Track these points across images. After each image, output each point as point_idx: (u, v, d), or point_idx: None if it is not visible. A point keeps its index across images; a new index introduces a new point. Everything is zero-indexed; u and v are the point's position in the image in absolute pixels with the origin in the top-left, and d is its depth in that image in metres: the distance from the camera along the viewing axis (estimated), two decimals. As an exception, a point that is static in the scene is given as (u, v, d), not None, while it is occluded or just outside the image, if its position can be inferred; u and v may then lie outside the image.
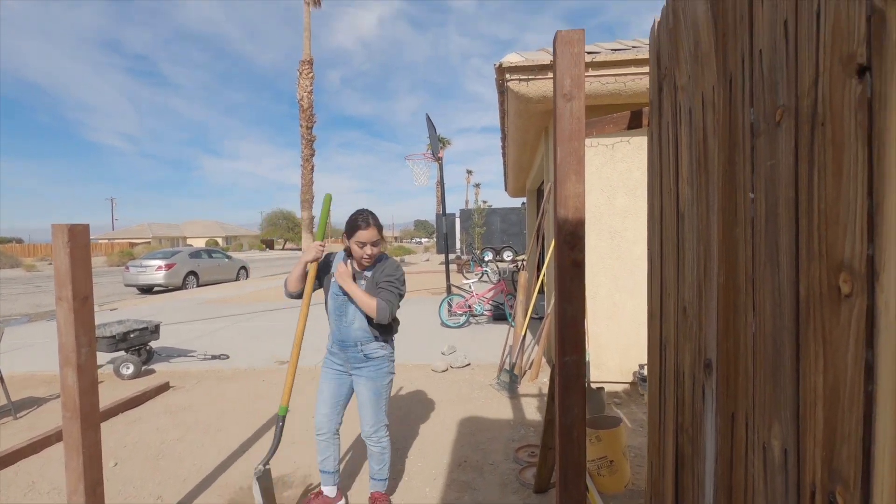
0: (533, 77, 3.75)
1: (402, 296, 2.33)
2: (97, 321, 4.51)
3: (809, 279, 0.68)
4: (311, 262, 2.36)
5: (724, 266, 0.98)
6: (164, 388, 4.72)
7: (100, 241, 57.68)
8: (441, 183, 7.84)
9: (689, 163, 1.20)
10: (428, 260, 25.09)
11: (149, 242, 50.53)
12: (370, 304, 2.20)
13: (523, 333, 4.51)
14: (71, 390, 1.88)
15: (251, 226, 78.75)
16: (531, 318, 4.85)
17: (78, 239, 1.88)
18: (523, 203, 11.06)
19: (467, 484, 2.72)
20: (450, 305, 7.16)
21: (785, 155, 0.74)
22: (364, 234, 2.22)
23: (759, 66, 0.83)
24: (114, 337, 5.11)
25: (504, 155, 7.63)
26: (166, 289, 15.04)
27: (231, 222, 74.94)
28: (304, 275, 2.40)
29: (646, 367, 3.93)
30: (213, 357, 5.80)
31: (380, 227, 2.30)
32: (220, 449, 3.34)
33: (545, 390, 4.27)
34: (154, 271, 14.45)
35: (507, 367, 4.51)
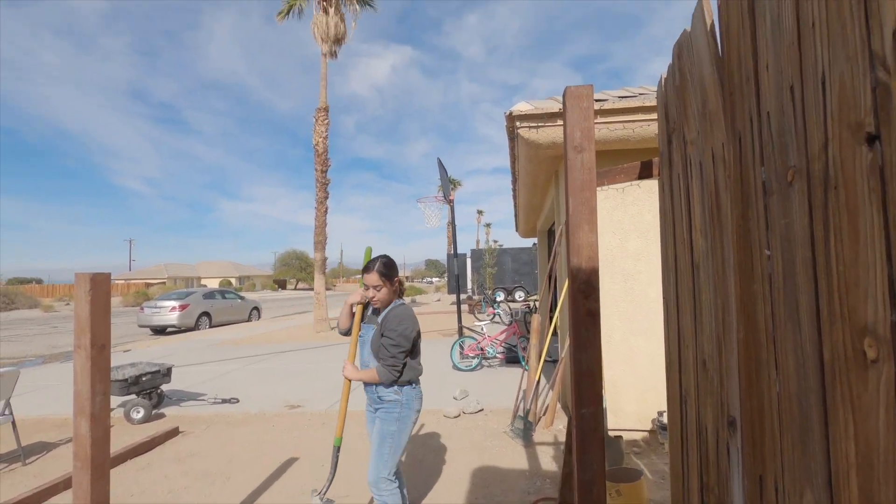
0: (542, 124, 3.85)
1: (405, 350, 2.27)
2: (120, 363, 4.52)
3: (833, 341, 0.67)
4: (357, 303, 2.47)
5: (744, 321, 0.97)
6: (174, 433, 4.66)
7: (116, 282, 58.60)
8: (452, 224, 7.92)
9: (702, 214, 1.21)
10: (439, 300, 25.00)
11: (164, 283, 51.20)
12: (372, 375, 2.28)
13: (537, 378, 4.41)
14: (83, 440, 1.87)
15: (264, 266, 79.59)
16: (545, 361, 4.76)
17: (99, 288, 1.92)
18: (534, 243, 11.09)
19: (482, 540, 2.60)
20: (461, 348, 7.07)
21: (799, 215, 0.75)
22: (366, 277, 2.36)
23: (767, 127, 0.85)
24: (126, 380, 5.10)
25: (515, 197, 7.72)
26: (179, 329, 15.11)
27: (245, 262, 75.85)
28: (351, 314, 2.54)
29: (665, 415, 3.81)
30: (224, 401, 5.75)
31: (384, 273, 2.32)
32: (227, 498, 3.25)
33: (561, 438, 4.13)
34: (168, 312, 14.56)
35: (521, 413, 4.40)
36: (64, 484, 3.49)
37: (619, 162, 3.88)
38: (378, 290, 2.32)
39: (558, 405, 4.67)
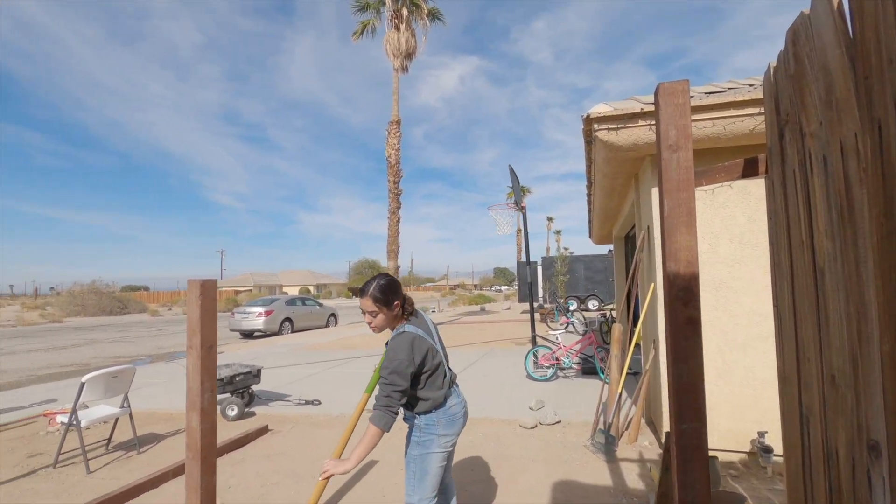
0: (622, 126, 3.70)
1: (401, 389, 2.00)
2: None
3: None
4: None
5: (890, 332, 0.86)
6: (264, 431, 4.96)
7: (210, 289, 63.83)
8: (525, 232, 7.82)
9: (828, 214, 1.09)
10: (509, 308, 24.74)
11: (251, 290, 55.12)
12: (367, 437, 1.99)
13: (620, 390, 4.21)
14: (194, 432, 2.04)
15: (339, 274, 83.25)
16: (626, 373, 4.53)
17: (208, 293, 2.09)
18: (610, 250, 10.66)
19: (566, 558, 2.51)
20: (535, 357, 6.93)
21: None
22: (360, 301, 2.15)
23: (919, 111, 0.75)
24: (222, 380, 5.53)
25: (590, 202, 7.49)
26: (265, 334, 16.16)
27: (321, 271, 79.80)
28: None
29: (767, 435, 3.48)
30: (307, 402, 6.04)
31: (378, 299, 2.09)
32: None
33: (647, 455, 3.91)
34: (255, 317, 15.64)
35: (601, 426, 4.21)
36: (173, 472, 3.83)
37: (709, 162, 3.64)
38: (374, 316, 2.12)
39: (642, 420, 4.42)
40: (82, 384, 4.19)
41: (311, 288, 63.65)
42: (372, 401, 2.15)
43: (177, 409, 6.09)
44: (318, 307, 18.58)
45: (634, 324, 4.94)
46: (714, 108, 3.49)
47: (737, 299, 3.79)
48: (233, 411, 5.52)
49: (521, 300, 22.67)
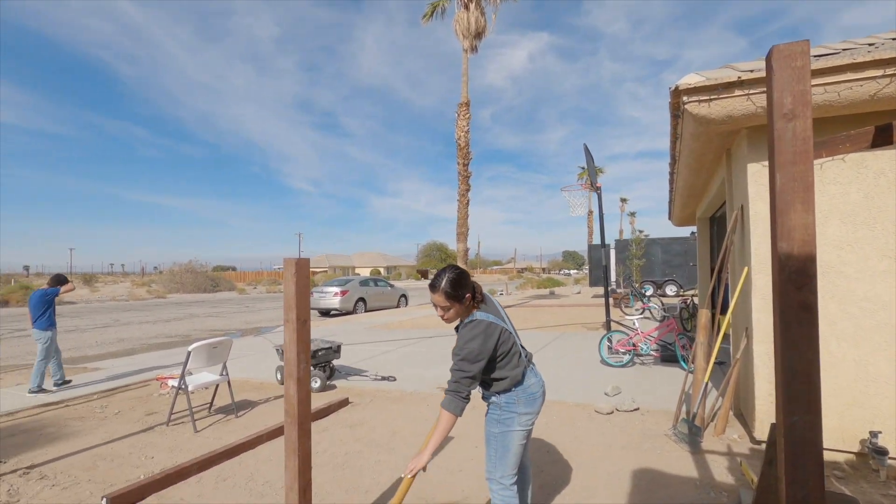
0: (716, 97, 3.42)
1: (470, 375, 2.04)
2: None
3: None
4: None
5: None
6: (345, 403, 5.26)
7: (289, 270, 68.13)
8: (599, 214, 7.52)
9: None
10: (579, 293, 24.09)
11: (326, 271, 58.01)
12: (439, 423, 2.04)
13: (706, 380, 3.99)
14: (292, 399, 2.21)
15: (408, 256, 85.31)
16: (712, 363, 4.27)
17: (302, 271, 2.23)
18: (693, 232, 10.00)
19: (649, 546, 2.44)
20: (610, 342, 6.72)
21: None
22: (432, 297, 2.17)
23: None
24: (306, 353, 5.90)
25: (672, 181, 7.05)
26: (340, 312, 16.99)
27: (391, 253, 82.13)
28: None
29: (880, 435, 3.15)
30: (383, 378, 6.31)
31: (450, 295, 2.10)
32: (394, 467, 3.56)
33: (736, 448, 3.68)
34: (332, 297, 16.47)
35: (684, 416, 4.03)
36: (268, 435, 4.17)
37: (817, 133, 3.27)
38: (446, 310, 2.15)
39: (730, 412, 4.16)
40: (189, 353, 4.65)
41: (382, 269, 65.81)
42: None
43: (266, 379, 6.60)
44: (389, 288, 19.19)
45: (722, 310, 4.63)
46: (827, 73, 3.13)
47: (847, 286, 3.43)
48: (316, 383, 5.89)
49: (592, 284, 21.99)
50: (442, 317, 2.19)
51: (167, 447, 4.17)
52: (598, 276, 21.41)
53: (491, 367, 2.15)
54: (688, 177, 5.93)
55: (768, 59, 1.45)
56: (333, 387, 6.08)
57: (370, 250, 79.83)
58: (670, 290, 20.13)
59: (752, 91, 3.34)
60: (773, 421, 3.59)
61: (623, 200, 52.77)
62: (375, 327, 12.42)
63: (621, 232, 52.24)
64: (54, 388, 6.18)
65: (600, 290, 23.77)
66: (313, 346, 6.14)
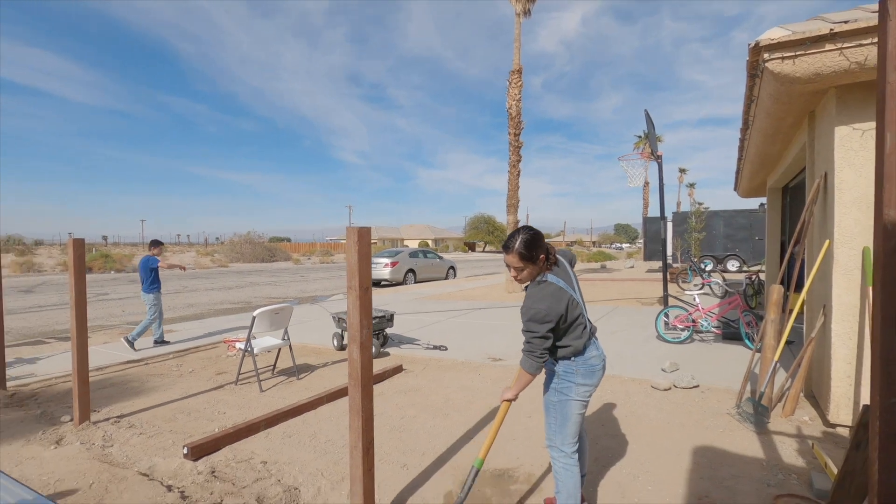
0: (802, 52, 3.11)
1: (540, 335, 2.04)
2: (343, 308, 5.40)
3: None
4: None
5: None
6: (399, 370, 5.42)
7: (340, 241, 70.25)
8: (660, 184, 7.16)
9: None
10: (632, 267, 23.33)
11: (375, 243, 59.27)
12: (520, 376, 2.19)
13: (777, 358, 3.78)
14: (356, 363, 2.28)
15: (456, 229, 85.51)
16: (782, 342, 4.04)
17: (364, 239, 2.27)
18: (762, 204, 9.34)
19: (712, 523, 2.39)
20: (667, 318, 6.50)
21: None
22: (505, 258, 2.16)
23: None
24: (361, 321, 6.10)
25: (742, 149, 6.57)
26: (390, 283, 17.37)
27: (439, 226, 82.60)
28: None
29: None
30: (434, 347, 6.43)
31: (524, 255, 2.07)
32: (448, 432, 3.66)
33: (806, 431, 3.50)
34: (382, 268, 16.84)
35: (749, 395, 3.85)
36: (328, 397, 4.38)
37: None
38: (520, 272, 2.13)
39: (801, 394, 3.95)
40: (253, 318, 4.92)
41: (430, 242, 66.45)
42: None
43: (323, 344, 6.89)
44: (438, 260, 19.38)
45: (795, 288, 4.33)
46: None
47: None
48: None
49: (647, 258, 21.20)
50: (515, 277, 2.19)
51: (237, 404, 4.47)
52: (654, 249, 20.60)
53: (555, 334, 2.14)
54: (761, 143, 5.50)
55: (883, 4, 1.28)
56: (387, 354, 6.27)
57: (418, 223, 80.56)
58: (732, 265, 19.08)
59: (845, 45, 3.01)
60: (851, 403, 3.36)
61: (682, 171, 49.89)
62: (425, 298, 12.62)
63: (679, 204, 49.73)
64: (136, 350, 6.74)
65: (655, 264, 22.92)
66: (367, 315, 6.33)
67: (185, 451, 3.25)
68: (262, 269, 30.74)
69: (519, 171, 12.72)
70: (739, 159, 7.35)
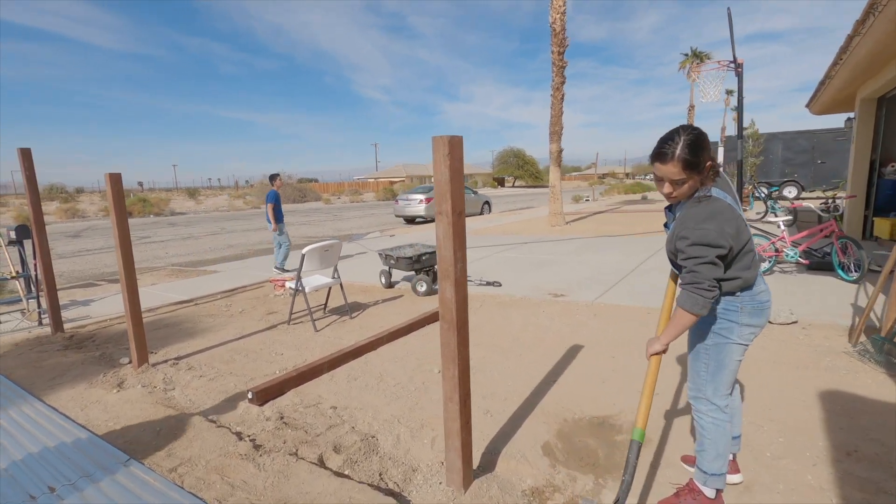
0: None
1: (708, 261, 1.58)
2: (389, 245, 5.05)
3: None
4: None
5: None
6: (455, 307, 5.11)
7: (367, 180, 69.78)
8: (739, 97, 6.28)
9: None
10: (676, 197, 22.09)
11: (403, 181, 58.53)
12: (677, 319, 1.68)
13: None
14: (448, 303, 1.90)
15: (483, 164, 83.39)
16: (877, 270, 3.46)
17: (455, 152, 1.80)
18: (849, 119, 8.26)
19: (874, 485, 2.01)
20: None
21: None
22: (659, 168, 1.65)
23: None
24: (411, 258, 5.77)
25: (843, 51, 5.60)
26: (425, 220, 17.00)
27: (466, 161, 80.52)
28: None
29: None
30: (488, 283, 6.09)
31: (688, 161, 1.58)
32: (526, 374, 3.35)
33: (944, 372, 3.02)
34: (417, 204, 16.42)
35: (865, 332, 3.37)
36: (387, 337, 4.13)
37: None
38: (679, 185, 1.64)
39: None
40: (303, 256, 4.62)
41: (458, 178, 65.09)
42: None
43: (371, 282, 6.65)
44: (472, 195, 18.77)
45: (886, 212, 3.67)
46: None
47: None
48: (422, 287, 5.80)
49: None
50: (669, 194, 1.70)
51: (293, 345, 4.28)
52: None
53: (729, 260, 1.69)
54: (879, 40, 4.59)
55: None
56: (437, 291, 5.97)
57: (445, 159, 78.67)
58: (789, 192, 17.76)
59: None
60: None
61: (728, 93, 45.99)
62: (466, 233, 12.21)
63: (723, 129, 46.48)
64: (288, 269, 7.43)
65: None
66: (417, 251, 5.99)
67: (249, 395, 3.06)
68: (294, 209, 30.81)
69: (563, 95, 11.72)
70: (834, 65, 6.35)
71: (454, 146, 1.78)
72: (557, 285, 5.93)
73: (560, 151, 11.99)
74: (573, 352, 3.71)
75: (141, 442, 2.64)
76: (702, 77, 6.61)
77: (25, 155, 4.71)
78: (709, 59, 30.49)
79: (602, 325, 4.36)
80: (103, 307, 6.01)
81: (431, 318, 4.69)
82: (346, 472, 2.30)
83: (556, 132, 11.85)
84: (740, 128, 6.27)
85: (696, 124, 6.37)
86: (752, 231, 6.48)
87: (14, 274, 5.74)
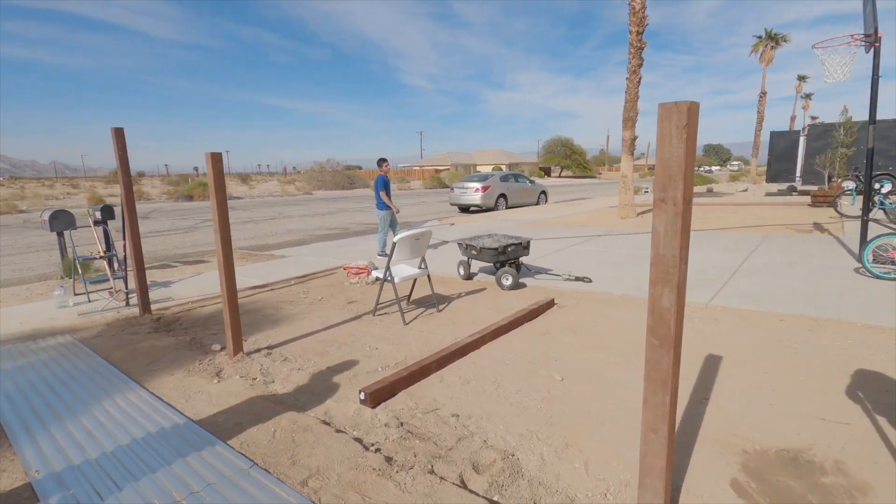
0: None
1: None
2: (451, 234, 4.66)
3: None
4: None
5: None
6: (551, 304, 4.73)
7: (412, 168, 69.81)
8: (875, 77, 5.50)
9: None
10: (745, 190, 20.68)
11: (449, 169, 58.11)
12: None
13: None
14: (665, 314, 1.53)
15: (529, 153, 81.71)
16: None
17: (693, 121, 1.41)
18: None
19: None
20: (881, 249, 5.21)
21: None
22: None
23: None
24: (496, 249, 5.41)
25: None
26: (480, 209, 16.59)
27: (509, 150, 79.10)
28: None
29: None
30: (577, 278, 5.65)
31: None
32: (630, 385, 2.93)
33: None
34: (473, 192, 16.02)
35: None
36: (490, 335, 3.80)
37: None
38: None
39: None
40: (394, 244, 4.35)
41: (504, 167, 64.13)
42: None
43: (449, 273, 6.34)
44: (529, 184, 18.19)
45: None
46: None
47: None
48: (507, 281, 5.44)
49: (771, 180, 18.54)
50: None
51: (385, 338, 4.03)
52: (781, 169, 17.95)
53: None
54: None
55: None
56: (523, 285, 5.60)
57: (487, 147, 77.69)
58: (882, 185, 16.13)
59: None
60: None
61: (801, 79, 42.69)
62: (526, 224, 11.75)
63: (793, 118, 43.35)
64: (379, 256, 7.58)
65: (779, 186, 20.22)
66: (501, 242, 5.62)
67: (361, 396, 2.80)
68: (345, 195, 31.07)
69: (640, 78, 10.96)
70: None
71: (692, 115, 1.39)
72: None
73: (634, 139, 11.27)
74: (712, 363, 3.26)
75: (258, 444, 2.42)
76: (828, 54, 5.84)
77: (119, 134, 4.64)
78: (786, 41, 28.26)
79: (727, 331, 3.86)
80: (183, 289, 6.00)
81: (530, 314, 4.33)
82: (496, 499, 1.98)
83: (630, 118, 11.13)
84: (872, 112, 5.49)
85: (876, 92, 5.51)
86: (877, 231, 5.73)
87: (102, 254, 5.80)
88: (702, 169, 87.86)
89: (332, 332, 4.26)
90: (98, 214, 6.09)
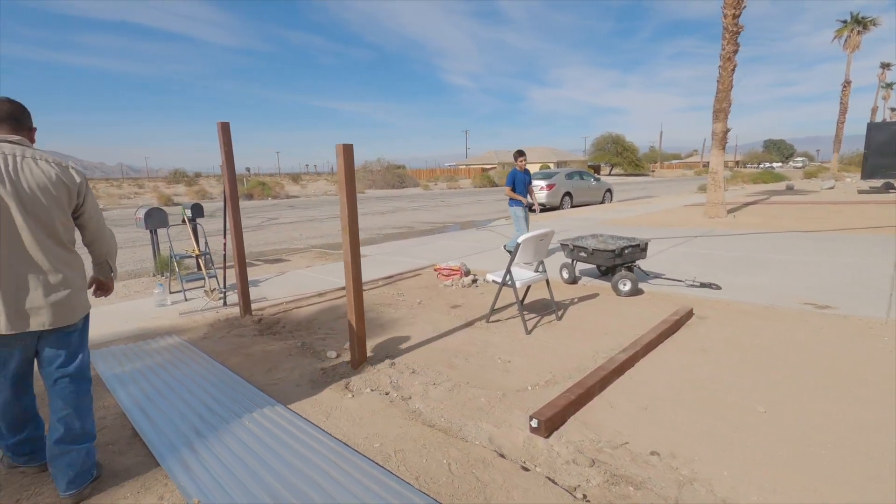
0: None
1: None
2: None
3: None
4: None
5: None
6: (689, 315, 4.19)
7: (458, 167, 69.55)
8: None
9: None
10: (832, 187, 19.02)
11: (495, 167, 57.43)
12: None
13: None
14: None
15: (576, 151, 79.67)
16: None
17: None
18: None
19: None
20: None
21: None
22: None
23: None
24: (613, 252, 4.91)
25: None
26: (544, 208, 15.98)
27: (555, 148, 77.29)
28: None
29: None
30: (703, 285, 5.06)
31: None
32: (874, 423, 2.38)
33: None
34: (538, 191, 15.43)
35: None
36: (642, 350, 3.33)
37: None
38: None
39: None
40: (518, 245, 3.95)
41: (552, 165, 62.78)
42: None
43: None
44: (594, 182, 17.42)
45: None
46: None
47: None
48: (625, 286, 4.93)
49: (867, 176, 16.93)
50: None
51: (513, 350, 3.63)
52: (881, 165, 16.33)
53: None
54: None
55: None
56: (641, 291, 5.07)
57: (533, 145, 76.24)
58: None
59: None
60: None
61: (884, 66, 39.22)
62: (603, 223, 11.10)
63: (874, 110, 39.94)
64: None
65: (871, 183, 18.49)
66: (617, 244, 5.11)
67: (533, 423, 2.40)
68: (397, 194, 31.08)
69: (734, 66, 10.09)
70: None
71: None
72: (798, 292, 4.76)
73: (726, 132, 10.40)
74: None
75: (436, 480, 2.07)
76: None
77: (224, 129, 4.47)
78: (875, 25, 25.84)
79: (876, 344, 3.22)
80: (273, 289, 5.84)
81: (673, 326, 3.81)
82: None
83: (722, 109, 10.27)
84: None
85: (854, 104, 4.76)
86: None
87: (197, 252, 5.71)
88: (762, 165, 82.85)
89: (448, 340, 3.91)
90: (189, 212, 6.03)
